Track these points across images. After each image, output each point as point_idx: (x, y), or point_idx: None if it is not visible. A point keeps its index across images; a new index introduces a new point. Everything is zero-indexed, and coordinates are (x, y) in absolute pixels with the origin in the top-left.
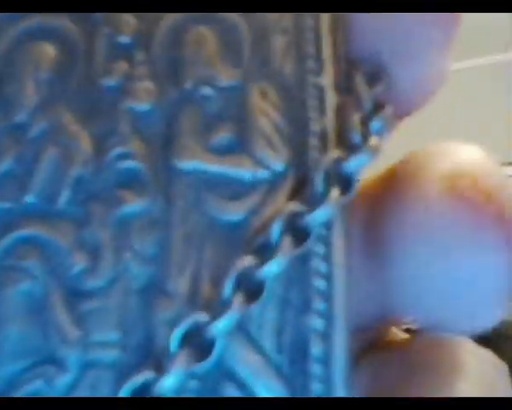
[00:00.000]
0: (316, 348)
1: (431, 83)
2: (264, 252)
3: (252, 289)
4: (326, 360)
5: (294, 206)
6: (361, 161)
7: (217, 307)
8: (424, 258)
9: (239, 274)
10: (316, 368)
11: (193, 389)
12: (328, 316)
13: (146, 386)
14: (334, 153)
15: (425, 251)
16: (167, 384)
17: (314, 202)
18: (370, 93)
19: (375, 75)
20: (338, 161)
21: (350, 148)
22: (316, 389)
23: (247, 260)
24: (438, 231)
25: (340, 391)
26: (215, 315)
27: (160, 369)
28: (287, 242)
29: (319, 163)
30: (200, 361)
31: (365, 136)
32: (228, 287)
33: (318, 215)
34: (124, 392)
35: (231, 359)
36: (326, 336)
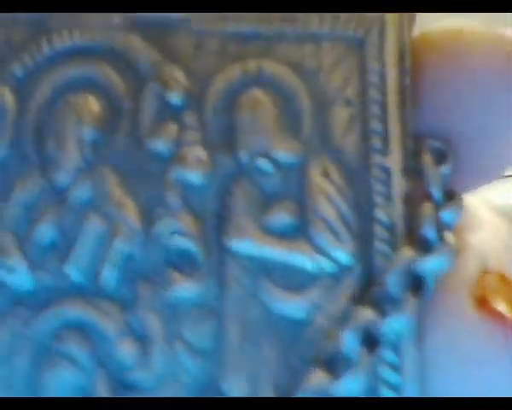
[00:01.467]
0: None
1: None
2: (336, 364)
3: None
4: None
5: (367, 313)
6: (438, 263)
7: None
8: None
9: (308, 390)
10: None
11: None
12: None
13: None
14: (406, 252)
15: None
16: None
17: (387, 307)
18: (439, 176)
19: (444, 153)
20: (411, 262)
21: (423, 244)
22: None
23: (317, 377)
24: None
25: None
26: None
27: None
28: (363, 355)
29: (390, 263)
30: None
31: (439, 230)
32: None
33: (393, 323)
34: None
35: None
36: None
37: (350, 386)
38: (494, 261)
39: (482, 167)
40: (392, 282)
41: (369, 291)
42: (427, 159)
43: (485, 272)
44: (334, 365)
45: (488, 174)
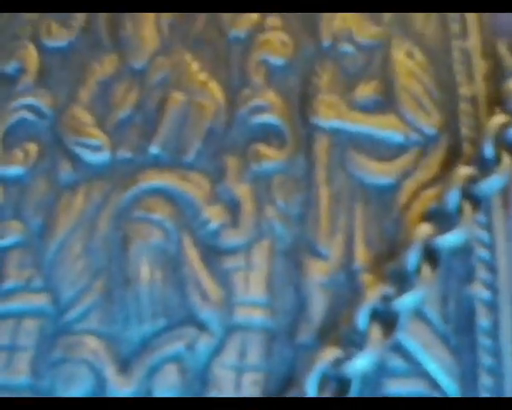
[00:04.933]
0: (483, 320)
1: None
2: (440, 219)
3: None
4: (494, 332)
5: (469, 171)
6: None
7: (402, 278)
8: None
9: (422, 244)
10: (484, 340)
11: None
12: (493, 286)
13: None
14: (499, 118)
15: None
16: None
17: (485, 169)
18: None
19: None
20: (504, 127)
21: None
22: (486, 363)
23: (426, 229)
24: None
25: (509, 364)
26: (399, 287)
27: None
28: (467, 211)
29: (485, 129)
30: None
31: None
32: (412, 258)
33: (493, 182)
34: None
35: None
36: (493, 307)
37: (452, 241)
38: None
39: None
40: (489, 147)
41: (455, 158)
42: (503, 45)
43: None
44: (439, 220)
45: None
